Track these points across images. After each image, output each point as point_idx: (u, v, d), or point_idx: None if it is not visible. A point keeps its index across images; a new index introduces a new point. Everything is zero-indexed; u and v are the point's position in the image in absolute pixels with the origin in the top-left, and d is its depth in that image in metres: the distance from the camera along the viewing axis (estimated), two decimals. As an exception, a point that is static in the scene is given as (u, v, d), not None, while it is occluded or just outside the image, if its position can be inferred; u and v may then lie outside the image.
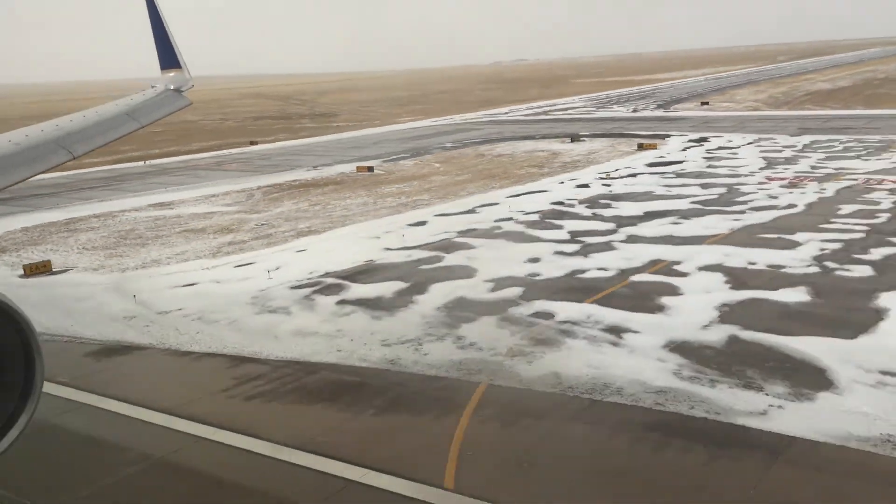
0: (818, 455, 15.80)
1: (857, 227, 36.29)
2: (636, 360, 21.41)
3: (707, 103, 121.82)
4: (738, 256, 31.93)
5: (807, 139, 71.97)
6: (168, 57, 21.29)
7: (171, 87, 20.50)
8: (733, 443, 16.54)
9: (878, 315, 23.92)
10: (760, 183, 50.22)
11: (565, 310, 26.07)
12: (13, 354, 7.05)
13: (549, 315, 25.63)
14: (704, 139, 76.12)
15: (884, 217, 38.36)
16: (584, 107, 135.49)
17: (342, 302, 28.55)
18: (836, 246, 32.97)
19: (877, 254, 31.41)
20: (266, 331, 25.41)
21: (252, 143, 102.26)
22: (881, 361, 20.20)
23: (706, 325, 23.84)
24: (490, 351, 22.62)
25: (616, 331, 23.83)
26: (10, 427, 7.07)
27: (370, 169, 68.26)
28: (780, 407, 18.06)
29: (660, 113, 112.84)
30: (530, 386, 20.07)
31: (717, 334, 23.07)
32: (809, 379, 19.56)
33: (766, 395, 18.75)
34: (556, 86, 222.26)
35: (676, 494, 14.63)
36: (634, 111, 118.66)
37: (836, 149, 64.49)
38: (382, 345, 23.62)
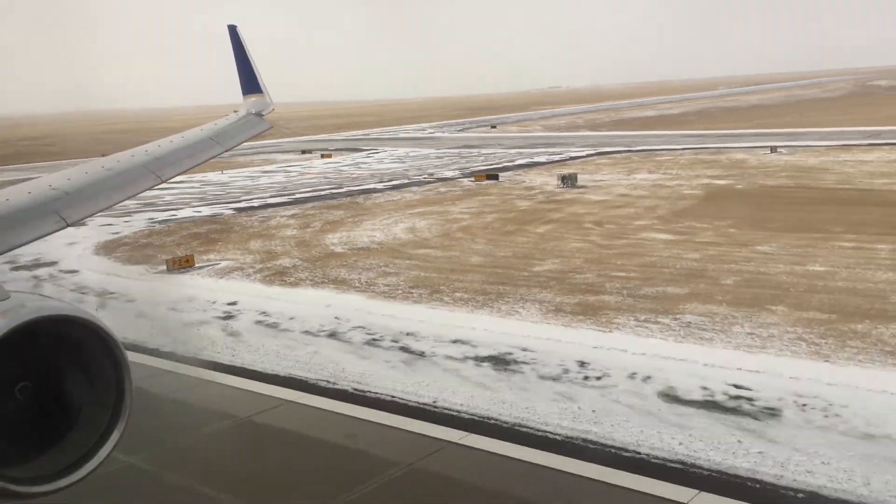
0: None
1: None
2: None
3: (495, 127, 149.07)
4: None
5: (444, 152, 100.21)
6: (250, 83, 22.38)
7: (253, 112, 21.46)
8: None
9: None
10: (298, 173, 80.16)
11: None
12: (106, 373, 7.58)
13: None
14: (390, 150, 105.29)
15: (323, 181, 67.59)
16: (410, 129, 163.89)
17: None
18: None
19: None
20: None
21: (103, 155, 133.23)
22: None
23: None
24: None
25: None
26: (104, 443, 7.48)
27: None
28: None
29: (445, 134, 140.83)
30: None
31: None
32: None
33: None
34: (515, 110, 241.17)
35: None
36: (431, 133, 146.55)
37: (439, 157, 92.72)
38: None
